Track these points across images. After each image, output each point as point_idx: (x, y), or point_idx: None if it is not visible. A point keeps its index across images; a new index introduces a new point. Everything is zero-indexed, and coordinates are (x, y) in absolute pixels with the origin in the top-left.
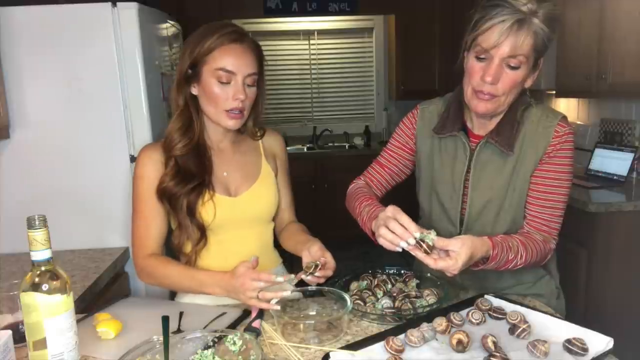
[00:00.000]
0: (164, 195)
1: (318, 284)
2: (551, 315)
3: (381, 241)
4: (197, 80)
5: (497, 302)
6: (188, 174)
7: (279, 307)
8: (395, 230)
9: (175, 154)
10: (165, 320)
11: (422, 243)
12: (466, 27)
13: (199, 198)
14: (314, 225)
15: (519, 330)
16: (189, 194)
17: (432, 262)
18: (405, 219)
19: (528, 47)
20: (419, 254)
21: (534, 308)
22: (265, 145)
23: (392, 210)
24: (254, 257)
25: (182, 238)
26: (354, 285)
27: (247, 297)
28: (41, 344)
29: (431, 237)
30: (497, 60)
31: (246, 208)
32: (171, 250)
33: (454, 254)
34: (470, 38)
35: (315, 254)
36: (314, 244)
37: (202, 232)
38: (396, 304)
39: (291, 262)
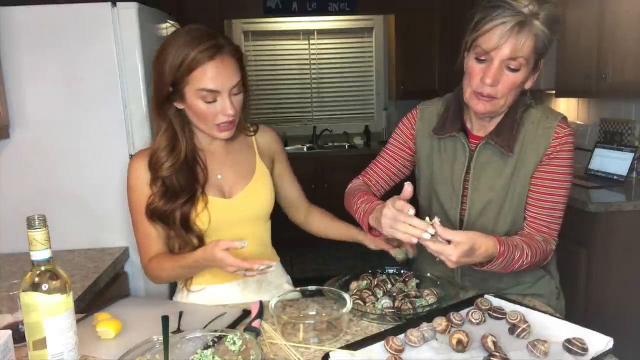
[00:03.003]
0: (155, 215)
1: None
2: (551, 315)
3: (399, 235)
4: (180, 99)
5: (497, 302)
6: (177, 191)
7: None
8: (409, 229)
9: (162, 175)
10: (165, 320)
11: None
12: (466, 28)
13: (192, 210)
14: None
15: (519, 330)
16: (181, 208)
17: (431, 243)
18: (414, 220)
19: (529, 50)
20: (423, 235)
21: (534, 308)
22: (259, 143)
23: (396, 207)
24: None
25: (182, 245)
26: (354, 285)
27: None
28: (41, 344)
29: (436, 221)
30: (497, 62)
31: (242, 208)
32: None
33: (454, 242)
34: (470, 39)
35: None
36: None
37: (200, 240)
38: (396, 304)
39: (291, 261)
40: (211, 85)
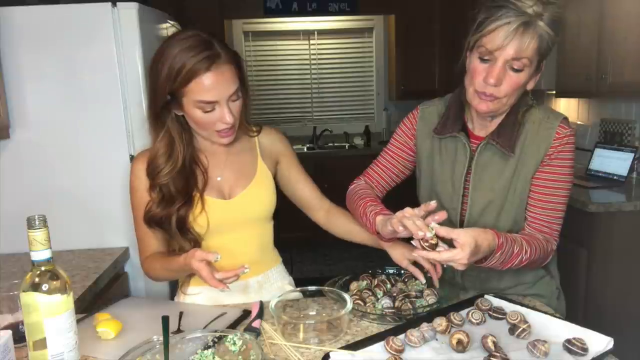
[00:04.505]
0: (152, 221)
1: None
2: (551, 315)
3: (397, 226)
4: (178, 107)
5: (497, 302)
6: (173, 196)
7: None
8: (410, 224)
9: (160, 182)
10: (165, 320)
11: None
12: (467, 27)
13: (189, 213)
14: (313, 225)
15: (519, 330)
16: (177, 212)
17: (437, 254)
18: (419, 221)
19: (532, 50)
20: (422, 253)
21: (534, 308)
22: (262, 144)
23: (410, 211)
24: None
25: (181, 246)
26: (354, 285)
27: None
28: (41, 344)
29: (432, 226)
30: (500, 62)
31: (241, 210)
32: None
33: (458, 243)
34: (473, 39)
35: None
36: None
37: (196, 244)
38: (396, 304)
39: (291, 261)
40: (208, 97)
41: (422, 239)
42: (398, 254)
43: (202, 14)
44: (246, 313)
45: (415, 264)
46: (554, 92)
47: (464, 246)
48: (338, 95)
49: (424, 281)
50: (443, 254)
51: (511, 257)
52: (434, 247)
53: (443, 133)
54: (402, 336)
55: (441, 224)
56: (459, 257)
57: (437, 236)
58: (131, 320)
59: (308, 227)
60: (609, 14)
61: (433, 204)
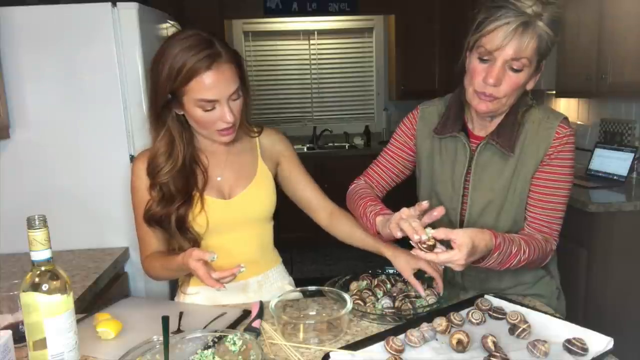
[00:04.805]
0: (152, 220)
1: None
2: (551, 315)
3: (395, 229)
4: (178, 106)
5: (497, 302)
6: (173, 195)
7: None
8: (407, 227)
9: (160, 181)
10: (165, 320)
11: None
12: (467, 27)
13: (189, 212)
14: (313, 225)
15: (519, 330)
16: (177, 211)
17: (435, 256)
18: (415, 223)
19: (532, 50)
20: (420, 254)
21: (534, 308)
22: (263, 145)
23: (406, 212)
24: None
25: (181, 245)
26: (354, 285)
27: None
28: (41, 344)
29: (429, 231)
30: (500, 62)
31: (241, 209)
32: None
33: (455, 244)
34: (473, 39)
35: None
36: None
37: (195, 243)
38: (396, 304)
39: (291, 261)
40: (209, 95)
41: (418, 242)
42: (402, 263)
43: (202, 14)
44: (246, 313)
45: (417, 273)
46: (554, 92)
47: (461, 247)
48: (338, 95)
49: (424, 295)
50: (441, 256)
51: (509, 257)
52: (431, 248)
53: (443, 133)
54: (402, 336)
55: (440, 223)
56: (456, 258)
57: (434, 238)
58: (131, 320)
59: (308, 227)
60: (609, 14)
61: (425, 204)
